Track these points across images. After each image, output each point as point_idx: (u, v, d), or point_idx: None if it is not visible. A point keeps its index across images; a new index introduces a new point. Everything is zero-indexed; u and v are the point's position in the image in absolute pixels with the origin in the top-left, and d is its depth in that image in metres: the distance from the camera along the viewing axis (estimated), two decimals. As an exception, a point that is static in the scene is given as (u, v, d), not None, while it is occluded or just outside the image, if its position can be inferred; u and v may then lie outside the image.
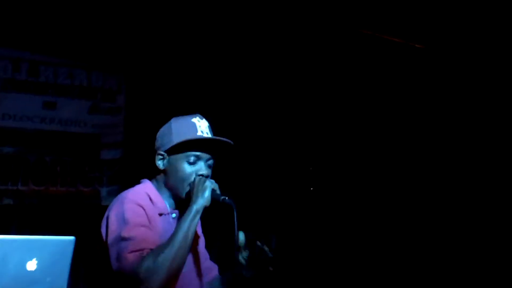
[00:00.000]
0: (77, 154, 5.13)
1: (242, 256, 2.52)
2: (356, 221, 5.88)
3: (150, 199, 2.42)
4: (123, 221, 2.29)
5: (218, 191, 2.38)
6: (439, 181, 5.77)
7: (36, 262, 2.16)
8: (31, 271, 2.17)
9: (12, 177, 4.82)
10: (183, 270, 2.35)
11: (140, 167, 4.85)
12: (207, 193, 2.33)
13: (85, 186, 5.13)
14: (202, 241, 2.66)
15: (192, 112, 2.60)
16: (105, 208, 2.46)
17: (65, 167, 5.08)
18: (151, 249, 2.23)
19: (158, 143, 2.51)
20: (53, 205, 4.91)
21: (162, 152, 2.46)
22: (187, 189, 2.40)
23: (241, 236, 2.50)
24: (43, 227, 4.46)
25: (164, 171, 2.47)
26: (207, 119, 2.56)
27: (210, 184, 2.36)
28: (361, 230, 5.86)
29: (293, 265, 5.55)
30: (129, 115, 5.32)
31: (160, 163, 2.47)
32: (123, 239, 2.25)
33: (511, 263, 5.24)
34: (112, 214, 2.35)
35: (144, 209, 2.35)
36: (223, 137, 2.48)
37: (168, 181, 2.45)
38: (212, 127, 2.56)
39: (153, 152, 2.53)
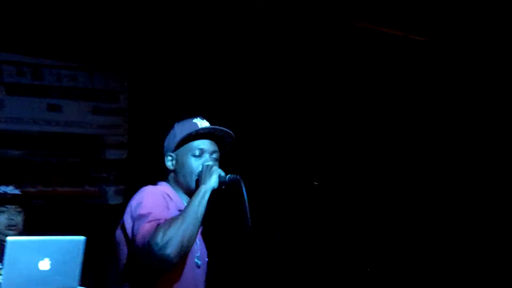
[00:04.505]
0: (83, 155, 5.20)
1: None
2: (360, 216, 5.92)
3: (169, 196, 2.54)
4: (142, 204, 2.42)
5: (226, 176, 2.49)
6: (443, 177, 5.78)
7: (48, 262, 2.23)
8: (43, 271, 2.23)
9: (19, 179, 4.88)
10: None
11: (145, 167, 4.93)
12: (214, 176, 2.46)
13: (92, 186, 5.19)
14: None
15: (196, 110, 2.71)
16: (111, 207, 2.56)
17: (71, 168, 5.14)
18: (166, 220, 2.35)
19: (165, 148, 2.66)
20: (61, 205, 4.98)
21: (170, 153, 2.61)
22: (196, 179, 2.53)
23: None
24: (51, 227, 4.52)
25: (174, 171, 2.60)
26: (211, 116, 2.67)
27: (217, 169, 2.49)
28: (366, 225, 5.89)
29: (298, 259, 5.60)
30: (132, 115, 5.37)
31: (169, 164, 2.61)
32: (142, 216, 2.38)
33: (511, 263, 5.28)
34: (133, 203, 2.47)
35: (163, 198, 2.48)
36: (229, 130, 2.61)
37: (179, 179, 2.58)
38: (217, 123, 2.66)
39: (159, 152, 2.66)
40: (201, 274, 2.57)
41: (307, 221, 5.83)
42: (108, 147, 5.32)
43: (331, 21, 5.23)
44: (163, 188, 2.59)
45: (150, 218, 2.35)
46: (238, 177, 2.46)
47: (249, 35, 5.24)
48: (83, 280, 2.40)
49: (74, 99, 5.20)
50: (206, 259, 2.65)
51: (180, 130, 2.61)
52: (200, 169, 2.53)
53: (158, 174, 2.67)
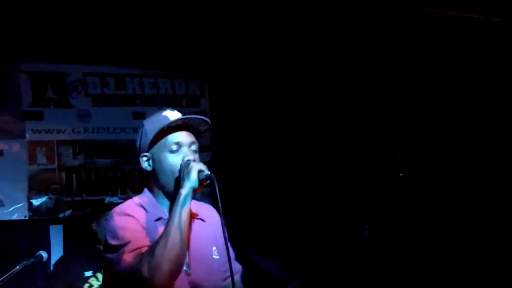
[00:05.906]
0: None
1: None
2: (448, 208, 5.76)
3: (144, 208, 2.38)
4: (114, 233, 2.28)
5: (205, 171, 2.31)
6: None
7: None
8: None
9: (109, 188, 5.04)
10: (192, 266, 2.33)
11: (229, 169, 4.99)
12: (193, 174, 2.28)
13: (179, 189, 5.29)
14: (215, 236, 2.51)
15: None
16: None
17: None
18: (148, 246, 2.21)
19: (138, 149, 2.47)
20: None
21: (145, 154, 2.42)
22: (176, 178, 2.35)
23: None
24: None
25: (153, 171, 2.41)
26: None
27: (195, 165, 2.30)
28: (454, 217, 5.73)
29: (386, 253, 5.52)
30: (214, 118, 5.44)
31: (146, 165, 2.42)
32: (119, 246, 2.24)
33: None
34: (105, 232, 2.34)
35: (135, 218, 2.32)
36: (202, 116, 2.44)
37: (159, 179, 2.40)
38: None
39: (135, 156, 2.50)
40: (194, 280, 2.32)
41: (395, 215, 5.74)
42: (193, 151, 5.40)
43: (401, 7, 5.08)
44: (140, 198, 2.43)
45: (130, 247, 2.21)
46: (211, 175, 2.27)
47: (330, 30, 5.17)
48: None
49: (157, 106, 5.32)
50: (207, 260, 2.40)
51: (151, 127, 2.40)
52: (180, 165, 2.34)
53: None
